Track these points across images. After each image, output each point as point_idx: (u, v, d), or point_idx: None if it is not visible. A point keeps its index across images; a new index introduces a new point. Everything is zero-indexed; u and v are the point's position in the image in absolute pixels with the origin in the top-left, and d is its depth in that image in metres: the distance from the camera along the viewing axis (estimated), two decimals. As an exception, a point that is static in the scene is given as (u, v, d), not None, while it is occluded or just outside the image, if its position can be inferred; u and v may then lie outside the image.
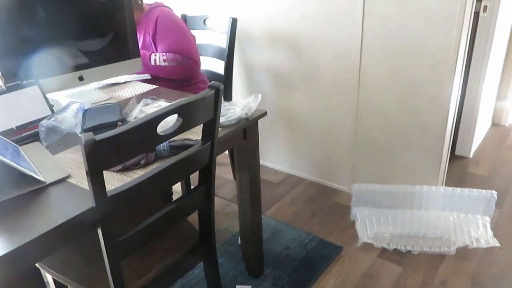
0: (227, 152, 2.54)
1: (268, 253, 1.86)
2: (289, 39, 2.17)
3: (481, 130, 2.78)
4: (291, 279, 1.72)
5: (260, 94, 1.42)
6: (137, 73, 1.88)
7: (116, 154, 0.87)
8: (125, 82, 1.85)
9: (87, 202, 0.94)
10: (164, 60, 1.84)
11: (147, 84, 1.83)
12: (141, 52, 1.90)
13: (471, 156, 2.65)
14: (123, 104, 1.54)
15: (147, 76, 1.89)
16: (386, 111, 2.01)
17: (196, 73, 2.00)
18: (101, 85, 1.78)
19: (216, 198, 2.26)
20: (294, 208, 2.21)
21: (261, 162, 2.59)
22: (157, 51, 1.92)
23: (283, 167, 2.57)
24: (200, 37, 2.19)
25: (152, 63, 1.85)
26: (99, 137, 0.80)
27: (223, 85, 1.06)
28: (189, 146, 1.15)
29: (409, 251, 1.84)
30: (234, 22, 2.06)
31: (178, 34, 1.91)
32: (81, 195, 1.00)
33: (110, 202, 0.90)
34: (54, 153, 1.20)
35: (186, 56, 1.88)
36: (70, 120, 1.29)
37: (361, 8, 1.86)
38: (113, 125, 1.27)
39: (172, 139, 1.11)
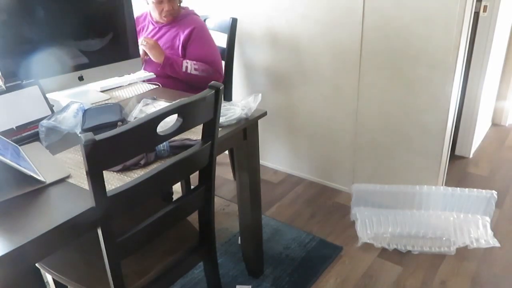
0: (227, 152, 2.54)
1: (268, 253, 1.86)
2: (289, 39, 2.17)
3: (481, 130, 2.77)
4: (291, 279, 1.72)
5: (260, 94, 1.42)
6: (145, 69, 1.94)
7: (116, 154, 0.87)
8: (129, 84, 1.85)
9: (87, 202, 0.94)
10: (195, 69, 1.92)
11: (147, 84, 1.83)
12: (171, 55, 1.92)
13: (471, 156, 2.65)
14: (123, 104, 1.54)
15: (151, 75, 1.89)
16: (386, 111, 2.01)
17: None
18: (105, 89, 1.78)
19: (216, 198, 2.26)
20: (294, 208, 2.21)
21: (261, 162, 2.58)
22: (184, 57, 1.96)
23: (283, 167, 2.57)
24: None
25: (184, 69, 1.90)
26: (99, 137, 0.80)
27: (223, 85, 1.06)
28: (189, 146, 1.15)
29: (409, 251, 1.84)
30: (234, 22, 2.07)
31: (212, 48, 2.02)
32: (81, 195, 1.00)
33: (110, 202, 0.90)
34: (54, 153, 1.20)
35: (215, 69, 1.98)
36: (70, 120, 1.29)
37: (361, 8, 1.86)
38: (113, 125, 1.27)
39: (172, 139, 1.11)
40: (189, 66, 1.90)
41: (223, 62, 2.12)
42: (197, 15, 2.06)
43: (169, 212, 1.09)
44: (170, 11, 1.92)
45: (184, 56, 1.96)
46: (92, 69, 1.60)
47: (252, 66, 2.39)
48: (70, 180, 1.06)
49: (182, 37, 1.95)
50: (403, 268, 1.76)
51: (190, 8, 2.07)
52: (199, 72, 1.92)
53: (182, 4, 2.05)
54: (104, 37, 1.61)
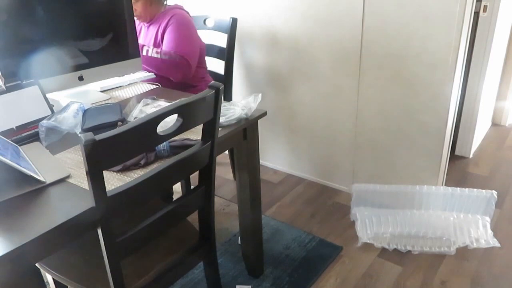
0: (227, 152, 2.54)
1: (268, 253, 1.86)
2: (289, 39, 2.17)
3: (481, 130, 2.78)
4: (291, 279, 1.72)
5: (260, 94, 1.42)
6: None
7: (116, 154, 0.87)
8: (129, 84, 1.85)
9: (87, 202, 0.94)
10: (156, 52, 1.84)
11: (147, 84, 1.83)
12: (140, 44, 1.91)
13: (471, 156, 2.65)
14: (123, 104, 1.54)
15: (151, 75, 1.89)
16: (386, 111, 2.01)
17: (187, 75, 1.94)
18: (105, 89, 1.77)
19: (216, 198, 2.26)
20: (294, 208, 2.21)
21: (261, 162, 2.59)
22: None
23: (283, 167, 2.57)
24: (201, 37, 2.19)
25: (144, 53, 1.85)
26: (99, 137, 0.80)
27: (223, 85, 1.06)
28: (189, 146, 1.15)
29: (409, 251, 1.84)
30: (234, 22, 2.06)
31: (182, 35, 1.90)
32: (81, 195, 1.00)
33: (110, 202, 0.90)
34: (54, 153, 1.20)
35: (180, 55, 1.86)
36: (70, 120, 1.29)
37: (361, 8, 1.86)
38: (113, 125, 1.27)
39: (172, 139, 1.11)
40: (150, 49, 1.86)
41: (223, 62, 2.11)
42: (183, 9, 2.01)
43: (169, 212, 1.09)
44: (135, 14, 1.90)
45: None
46: (92, 69, 1.60)
47: (252, 66, 2.39)
48: (70, 180, 1.06)
49: (162, 29, 1.93)
50: (403, 268, 1.76)
51: (180, 4, 2.05)
52: (160, 56, 1.84)
53: (175, 2, 2.04)
54: (104, 37, 1.61)
